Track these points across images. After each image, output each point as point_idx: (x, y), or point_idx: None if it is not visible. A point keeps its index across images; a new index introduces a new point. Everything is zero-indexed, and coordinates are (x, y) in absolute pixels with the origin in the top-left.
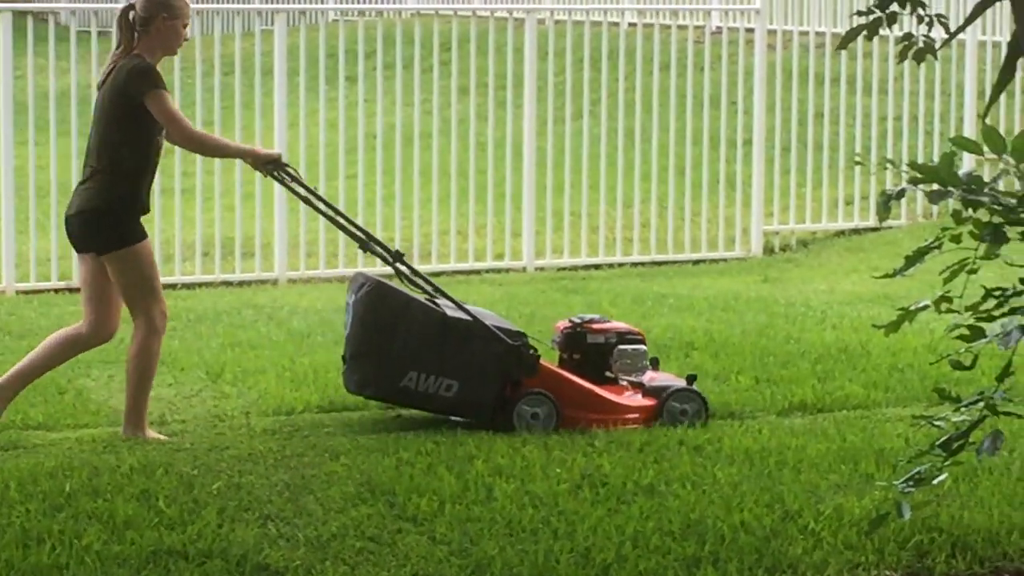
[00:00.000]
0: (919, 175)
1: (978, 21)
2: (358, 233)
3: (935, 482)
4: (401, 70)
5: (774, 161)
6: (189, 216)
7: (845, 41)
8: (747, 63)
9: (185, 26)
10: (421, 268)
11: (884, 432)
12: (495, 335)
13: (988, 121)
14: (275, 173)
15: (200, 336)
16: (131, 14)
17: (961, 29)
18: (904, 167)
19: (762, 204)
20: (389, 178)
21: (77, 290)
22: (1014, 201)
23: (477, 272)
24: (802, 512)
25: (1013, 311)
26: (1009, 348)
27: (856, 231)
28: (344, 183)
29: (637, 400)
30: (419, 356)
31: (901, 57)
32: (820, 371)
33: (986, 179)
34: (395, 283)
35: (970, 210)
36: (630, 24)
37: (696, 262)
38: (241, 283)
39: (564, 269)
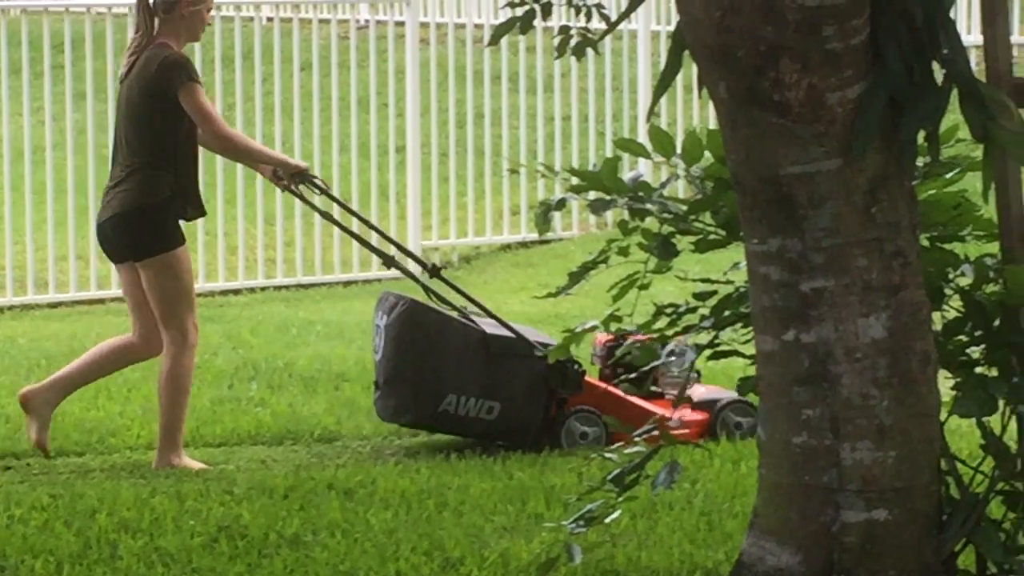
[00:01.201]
0: (581, 182)
1: (650, 9)
2: (385, 251)
3: (608, 520)
4: (8, 75)
5: (431, 169)
6: None
7: (496, 36)
8: (398, 60)
9: (209, 10)
10: (37, 299)
11: (555, 467)
12: (538, 352)
13: (663, 119)
14: (296, 187)
15: None
16: None
17: (620, 20)
18: (565, 174)
19: (419, 217)
20: None
21: None
22: (684, 208)
23: (101, 301)
24: (464, 559)
25: (686, 329)
26: (683, 370)
27: (524, 244)
28: None
29: (687, 415)
30: (458, 378)
31: (559, 52)
32: None
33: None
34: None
35: (638, 219)
36: (267, 19)
37: (347, 283)
38: None
39: (200, 295)
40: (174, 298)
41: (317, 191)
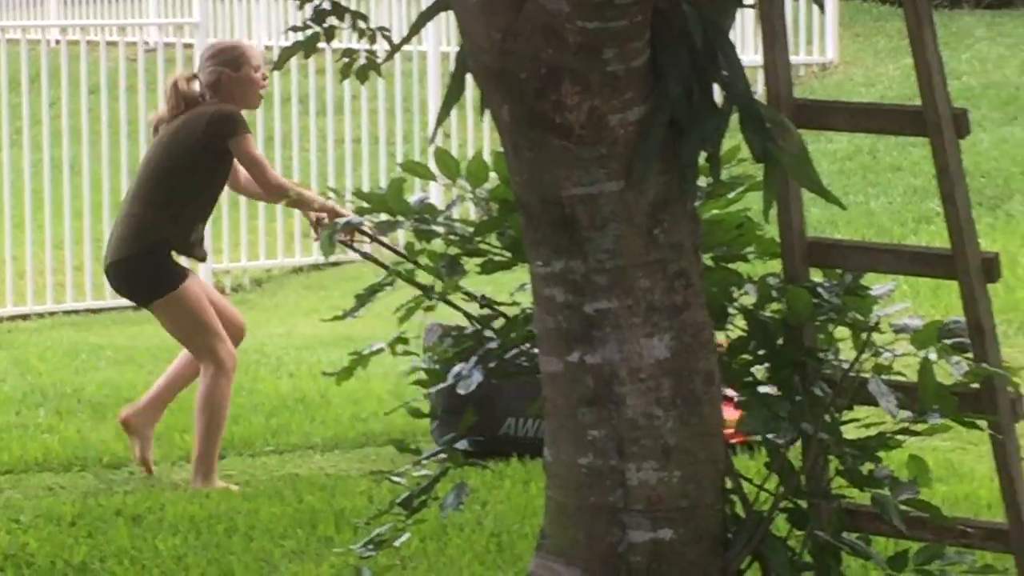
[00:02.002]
0: (366, 204)
1: (440, 31)
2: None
3: (397, 543)
4: None
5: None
6: None
7: (281, 60)
8: None
9: (257, 69)
10: None
11: (345, 490)
12: None
13: (455, 141)
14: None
15: None
16: (193, 83)
17: (402, 44)
18: (354, 196)
19: (210, 240)
20: None
21: None
22: (471, 230)
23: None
24: None
25: (473, 351)
26: (470, 392)
27: (316, 267)
28: None
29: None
30: (514, 401)
31: (342, 75)
32: (275, 425)
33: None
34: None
35: (424, 242)
36: (55, 42)
37: (137, 308)
38: None
39: None
40: (193, 332)
41: (368, 239)
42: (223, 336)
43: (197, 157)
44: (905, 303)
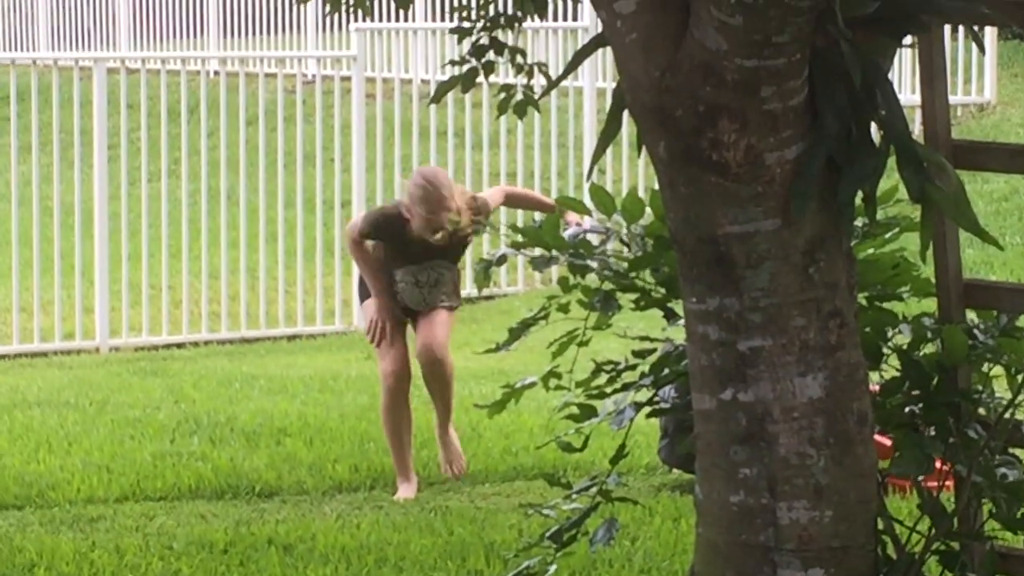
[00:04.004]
0: (522, 239)
1: (596, 67)
2: None
3: None
4: None
5: None
6: None
7: (439, 94)
8: (345, 115)
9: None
10: None
11: (495, 523)
12: None
13: (609, 177)
14: None
15: None
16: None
17: (560, 79)
18: (508, 230)
19: None
20: None
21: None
22: (625, 266)
23: (44, 354)
24: None
25: (626, 387)
26: (622, 428)
27: (469, 300)
28: None
29: None
30: None
31: (500, 110)
32: (426, 457)
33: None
34: None
35: (579, 276)
36: (214, 73)
37: (292, 338)
38: None
39: (143, 349)
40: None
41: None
42: (385, 354)
43: None
44: None
